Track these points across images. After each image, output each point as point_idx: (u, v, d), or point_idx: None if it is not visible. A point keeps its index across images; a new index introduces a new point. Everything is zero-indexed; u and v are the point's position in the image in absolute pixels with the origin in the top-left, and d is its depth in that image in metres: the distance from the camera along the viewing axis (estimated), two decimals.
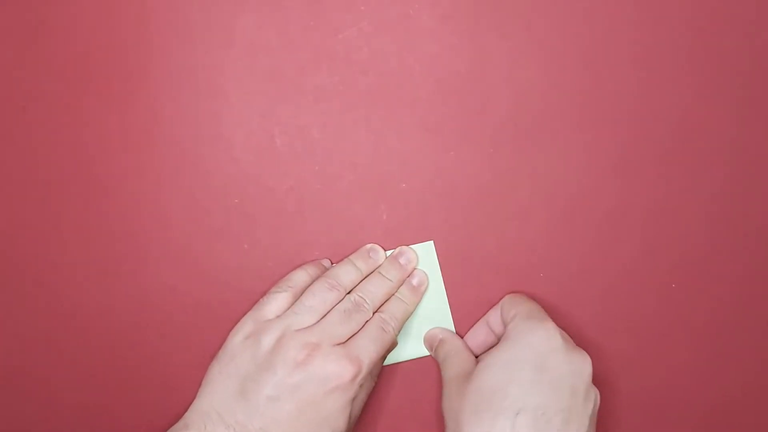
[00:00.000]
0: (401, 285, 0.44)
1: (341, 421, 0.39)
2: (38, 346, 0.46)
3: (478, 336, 0.44)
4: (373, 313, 0.41)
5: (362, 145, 0.45)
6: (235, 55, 0.45)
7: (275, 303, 0.41)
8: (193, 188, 0.45)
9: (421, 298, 0.44)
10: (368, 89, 0.44)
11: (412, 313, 0.44)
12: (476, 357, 0.43)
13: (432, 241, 0.44)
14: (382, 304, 0.42)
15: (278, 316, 0.40)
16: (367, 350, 0.39)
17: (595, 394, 0.39)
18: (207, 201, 0.45)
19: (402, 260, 0.44)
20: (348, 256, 0.44)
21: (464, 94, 0.44)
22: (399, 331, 0.43)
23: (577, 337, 0.43)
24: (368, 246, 0.44)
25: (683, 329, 0.44)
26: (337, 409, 0.38)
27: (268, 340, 0.39)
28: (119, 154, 0.45)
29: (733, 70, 0.43)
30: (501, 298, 0.44)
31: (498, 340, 0.42)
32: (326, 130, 0.45)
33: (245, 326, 0.41)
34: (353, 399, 0.39)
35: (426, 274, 0.44)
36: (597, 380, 0.39)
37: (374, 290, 0.42)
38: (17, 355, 0.46)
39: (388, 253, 0.44)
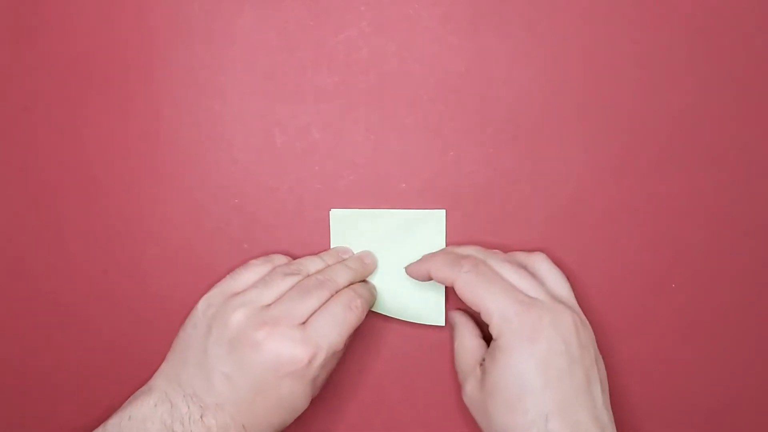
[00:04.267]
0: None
1: (301, 401, 0.38)
2: (38, 346, 0.46)
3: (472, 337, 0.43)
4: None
5: (362, 145, 0.45)
6: (235, 55, 0.45)
7: (249, 275, 0.41)
8: (193, 188, 0.45)
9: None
10: (368, 89, 0.44)
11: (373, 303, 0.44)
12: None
13: (444, 210, 0.44)
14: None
15: (239, 293, 0.40)
16: (327, 334, 0.38)
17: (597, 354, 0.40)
18: (207, 201, 0.45)
19: (367, 260, 0.44)
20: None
21: (464, 94, 0.44)
22: (365, 312, 0.41)
23: None
24: (340, 247, 0.45)
25: (683, 329, 0.44)
26: (294, 392, 0.38)
27: (226, 315, 0.39)
28: (119, 154, 0.45)
29: (733, 69, 0.43)
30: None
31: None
32: (326, 130, 0.45)
33: (213, 296, 0.40)
34: (314, 379, 0.38)
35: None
36: None
37: (334, 275, 0.41)
38: (17, 354, 0.46)
39: None
